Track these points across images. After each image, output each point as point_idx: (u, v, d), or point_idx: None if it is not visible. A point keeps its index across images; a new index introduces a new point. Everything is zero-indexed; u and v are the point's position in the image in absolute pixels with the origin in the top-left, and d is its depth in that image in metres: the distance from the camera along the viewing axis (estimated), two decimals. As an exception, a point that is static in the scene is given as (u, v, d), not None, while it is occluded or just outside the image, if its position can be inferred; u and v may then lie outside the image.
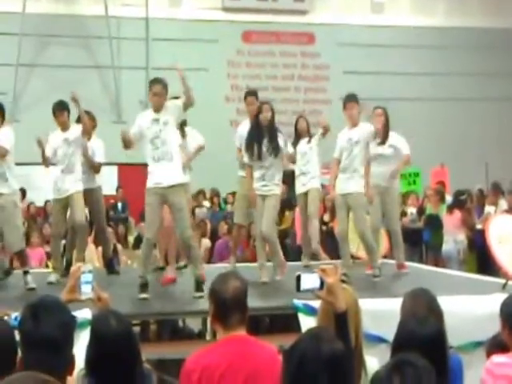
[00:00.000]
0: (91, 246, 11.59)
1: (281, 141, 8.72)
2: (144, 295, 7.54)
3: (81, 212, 8.92)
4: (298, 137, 10.15)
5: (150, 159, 7.76)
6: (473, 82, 21.03)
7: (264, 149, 8.63)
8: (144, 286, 7.61)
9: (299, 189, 10.08)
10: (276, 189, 8.74)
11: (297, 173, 10.10)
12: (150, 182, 7.74)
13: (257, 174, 8.72)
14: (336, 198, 9.07)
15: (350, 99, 9.00)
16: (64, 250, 9.62)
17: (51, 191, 9.06)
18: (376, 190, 9.19)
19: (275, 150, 8.64)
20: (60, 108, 8.94)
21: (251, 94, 9.40)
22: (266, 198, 8.69)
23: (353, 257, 9.81)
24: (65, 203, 8.90)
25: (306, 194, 9.99)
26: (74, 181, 8.89)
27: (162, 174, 7.66)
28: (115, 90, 19.43)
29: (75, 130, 8.93)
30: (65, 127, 8.95)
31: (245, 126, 9.23)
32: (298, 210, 10.99)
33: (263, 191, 8.69)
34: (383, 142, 9.47)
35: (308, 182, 9.97)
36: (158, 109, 7.74)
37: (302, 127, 10.15)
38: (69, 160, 8.86)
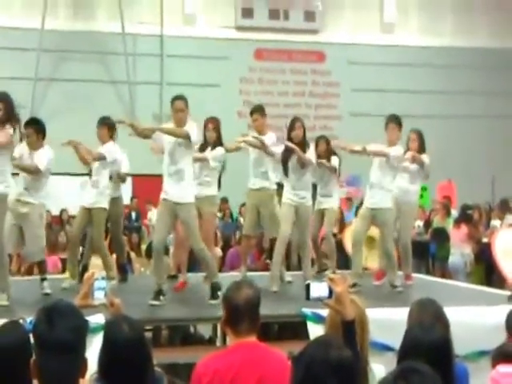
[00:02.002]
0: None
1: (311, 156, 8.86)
2: (155, 302, 7.55)
3: (100, 230, 9.08)
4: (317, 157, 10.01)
5: (165, 172, 7.80)
6: (479, 100, 21.00)
7: (293, 165, 8.76)
8: (158, 294, 7.62)
9: (318, 204, 10.02)
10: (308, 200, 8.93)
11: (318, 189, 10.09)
12: (163, 194, 7.79)
13: (288, 185, 8.84)
14: (363, 209, 9.03)
15: (392, 120, 9.01)
16: (81, 256, 9.67)
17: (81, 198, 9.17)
18: (395, 201, 9.14)
19: (304, 165, 8.76)
20: (100, 123, 9.14)
21: (256, 110, 9.31)
22: (299, 208, 8.77)
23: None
24: (88, 214, 8.96)
25: (323, 210, 10.00)
26: (100, 195, 8.96)
27: (173, 190, 7.71)
28: (130, 104, 19.49)
29: (109, 146, 9.00)
30: (103, 142, 9.05)
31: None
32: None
33: (294, 201, 8.78)
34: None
35: (326, 200, 9.97)
36: (180, 125, 7.76)
37: (322, 149, 10.06)
38: (98, 174, 8.92)
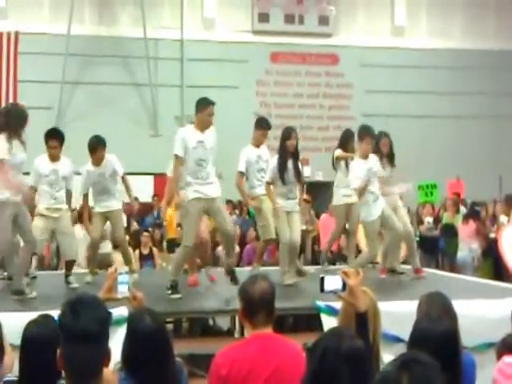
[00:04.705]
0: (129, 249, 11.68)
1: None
2: (177, 295, 7.59)
3: (121, 228, 9.27)
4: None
5: (193, 176, 7.79)
6: (487, 101, 20.90)
7: (289, 172, 8.70)
8: (176, 288, 7.66)
9: (341, 199, 9.91)
10: (297, 205, 8.94)
11: (337, 183, 9.95)
12: (196, 193, 7.78)
13: (281, 192, 8.77)
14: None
15: (368, 133, 8.94)
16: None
17: (94, 204, 9.17)
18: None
19: (298, 173, 8.76)
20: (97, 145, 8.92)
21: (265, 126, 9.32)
22: (291, 213, 8.77)
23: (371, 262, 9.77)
24: (105, 217, 9.07)
25: (347, 205, 9.86)
26: (114, 199, 9.05)
27: (207, 188, 7.78)
28: (152, 106, 19.52)
29: (109, 164, 8.96)
30: (99, 163, 8.94)
31: (250, 151, 9.17)
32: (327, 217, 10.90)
33: (287, 207, 8.75)
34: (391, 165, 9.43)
35: (352, 194, 9.92)
36: (207, 128, 7.81)
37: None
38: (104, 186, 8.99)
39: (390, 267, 9.35)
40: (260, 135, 9.20)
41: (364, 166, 8.77)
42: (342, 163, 9.79)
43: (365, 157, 8.87)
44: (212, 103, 7.87)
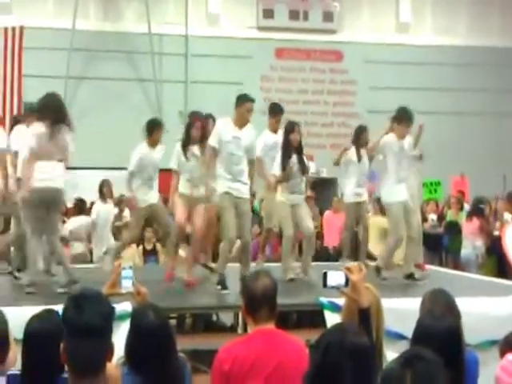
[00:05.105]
0: (132, 245, 11.65)
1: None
2: (227, 291, 7.62)
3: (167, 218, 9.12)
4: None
5: (225, 171, 7.86)
6: (491, 98, 20.85)
7: (294, 167, 8.66)
8: (224, 283, 7.71)
9: (352, 197, 9.99)
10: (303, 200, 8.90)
11: (348, 181, 10.05)
12: (225, 188, 7.86)
13: (286, 186, 8.72)
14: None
15: (406, 115, 8.90)
16: None
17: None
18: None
19: (304, 167, 8.73)
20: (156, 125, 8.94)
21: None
22: (298, 205, 8.72)
23: (374, 258, 9.77)
24: (147, 211, 8.99)
25: (358, 203, 9.96)
26: (154, 192, 9.09)
27: (238, 186, 7.86)
28: (157, 102, 19.50)
29: (160, 150, 8.93)
30: (155, 145, 8.90)
31: (267, 137, 9.19)
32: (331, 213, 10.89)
33: (293, 201, 8.70)
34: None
35: (363, 193, 9.94)
36: (245, 124, 7.92)
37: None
38: (151, 175, 8.97)
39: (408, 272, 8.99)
40: (274, 121, 9.27)
41: (397, 144, 8.78)
42: (355, 160, 9.79)
43: (401, 137, 8.86)
44: (251, 100, 7.99)
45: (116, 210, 12.97)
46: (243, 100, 7.94)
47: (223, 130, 7.86)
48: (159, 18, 19.45)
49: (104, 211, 12.42)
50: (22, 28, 17.85)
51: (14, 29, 17.89)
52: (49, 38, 18.34)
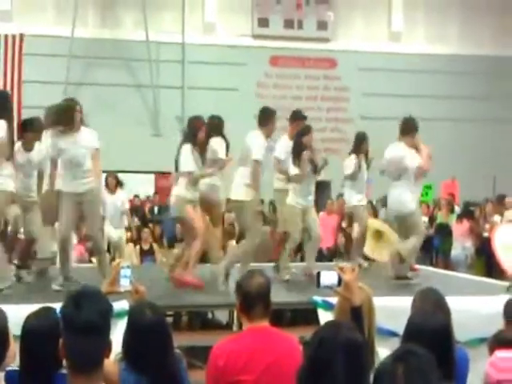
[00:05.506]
0: (130, 244, 11.65)
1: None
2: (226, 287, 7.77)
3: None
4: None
5: None
6: (482, 105, 20.91)
7: (308, 167, 8.67)
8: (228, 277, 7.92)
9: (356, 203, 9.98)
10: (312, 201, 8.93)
11: (350, 188, 10.02)
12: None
13: (297, 188, 8.73)
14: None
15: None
16: None
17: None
18: None
19: (315, 167, 8.74)
20: None
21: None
22: (308, 208, 8.74)
23: (368, 259, 9.76)
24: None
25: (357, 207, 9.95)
26: None
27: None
28: (154, 107, 19.54)
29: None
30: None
31: (286, 142, 9.18)
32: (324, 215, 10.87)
33: (303, 205, 8.71)
34: None
35: (363, 198, 9.95)
36: (271, 135, 8.25)
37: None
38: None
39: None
40: (296, 126, 9.23)
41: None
42: (356, 168, 9.77)
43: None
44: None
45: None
46: (273, 114, 8.43)
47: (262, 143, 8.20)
48: (157, 26, 19.48)
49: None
50: (22, 35, 17.86)
51: (14, 36, 17.90)
52: (48, 45, 18.38)
